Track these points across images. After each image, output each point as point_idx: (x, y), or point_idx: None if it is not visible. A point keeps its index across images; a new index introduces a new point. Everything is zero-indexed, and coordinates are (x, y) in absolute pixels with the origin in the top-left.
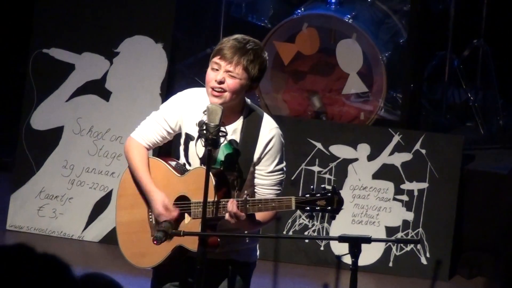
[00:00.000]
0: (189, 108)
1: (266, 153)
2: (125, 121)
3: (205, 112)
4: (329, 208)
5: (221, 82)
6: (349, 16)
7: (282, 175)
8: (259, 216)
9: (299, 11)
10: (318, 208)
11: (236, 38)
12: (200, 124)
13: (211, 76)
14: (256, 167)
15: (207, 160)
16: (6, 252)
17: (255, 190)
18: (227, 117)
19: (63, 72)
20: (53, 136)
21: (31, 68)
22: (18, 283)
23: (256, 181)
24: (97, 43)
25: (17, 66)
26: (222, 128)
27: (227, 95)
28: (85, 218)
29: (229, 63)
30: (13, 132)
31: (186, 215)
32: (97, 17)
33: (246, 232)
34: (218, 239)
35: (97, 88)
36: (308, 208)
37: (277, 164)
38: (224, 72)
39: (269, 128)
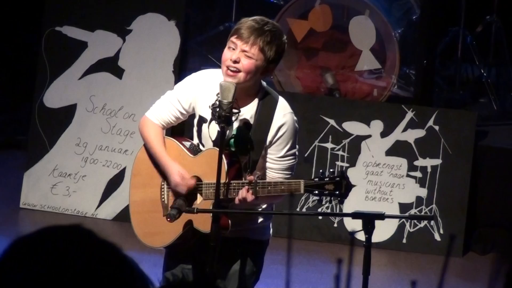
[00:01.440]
0: (203, 90)
1: (279, 137)
2: (138, 98)
3: (219, 95)
4: (337, 192)
5: (236, 62)
6: None
7: (293, 160)
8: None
9: None
10: (327, 192)
11: (254, 19)
12: (214, 105)
13: (227, 55)
14: (268, 151)
15: (220, 137)
16: (63, 232)
17: (266, 173)
18: (242, 100)
19: (76, 50)
20: (66, 114)
21: (44, 46)
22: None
23: (267, 164)
24: (110, 20)
25: (30, 44)
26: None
27: (241, 75)
28: (98, 196)
29: (245, 43)
30: (26, 110)
31: (198, 195)
32: None
33: (259, 209)
34: (229, 221)
35: (110, 65)
36: (316, 192)
37: (288, 150)
38: (240, 52)
39: (283, 113)
